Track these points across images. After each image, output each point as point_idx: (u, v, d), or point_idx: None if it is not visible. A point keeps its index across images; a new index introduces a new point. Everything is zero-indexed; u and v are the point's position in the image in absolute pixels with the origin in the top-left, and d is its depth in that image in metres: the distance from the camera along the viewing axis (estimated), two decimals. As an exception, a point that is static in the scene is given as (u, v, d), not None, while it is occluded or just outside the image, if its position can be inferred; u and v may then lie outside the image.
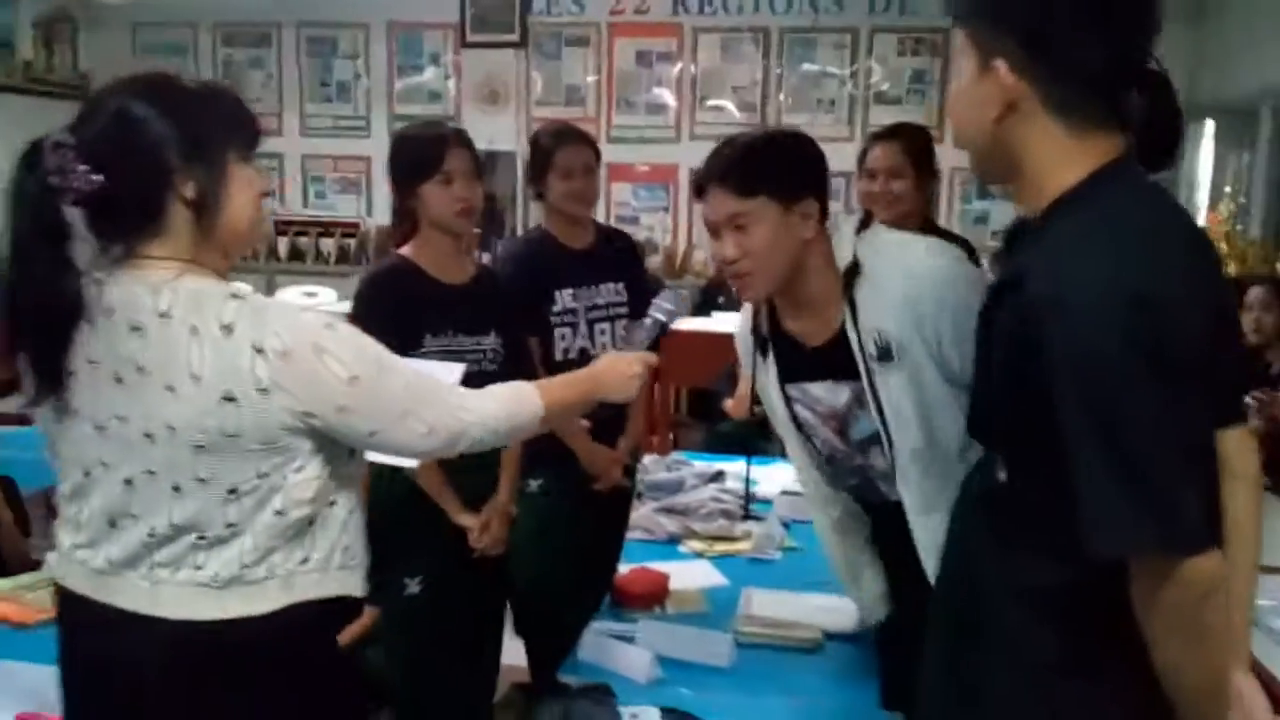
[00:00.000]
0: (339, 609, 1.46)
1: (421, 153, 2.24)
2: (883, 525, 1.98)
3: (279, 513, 1.33)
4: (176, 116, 1.30)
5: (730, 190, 1.72)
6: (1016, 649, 0.99)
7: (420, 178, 2.23)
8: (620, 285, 2.75)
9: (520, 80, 6.82)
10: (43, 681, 1.93)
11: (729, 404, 4.85)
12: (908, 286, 1.70)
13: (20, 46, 6.90)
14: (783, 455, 4.60)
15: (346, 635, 2.64)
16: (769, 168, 1.73)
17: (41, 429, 1.41)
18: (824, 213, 1.76)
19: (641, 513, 3.09)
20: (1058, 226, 1.00)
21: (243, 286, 1.35)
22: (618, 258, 2.78)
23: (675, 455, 3.80)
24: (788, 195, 1.71)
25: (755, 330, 1.96)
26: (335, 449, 1.36)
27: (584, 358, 2.59)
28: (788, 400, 1.94)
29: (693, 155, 6.79)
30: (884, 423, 1.79)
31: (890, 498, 1.88)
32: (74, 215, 1.28)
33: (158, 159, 1.28)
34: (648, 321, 1.80)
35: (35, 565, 2.93)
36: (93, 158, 1.26)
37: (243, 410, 1.25)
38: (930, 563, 1.72)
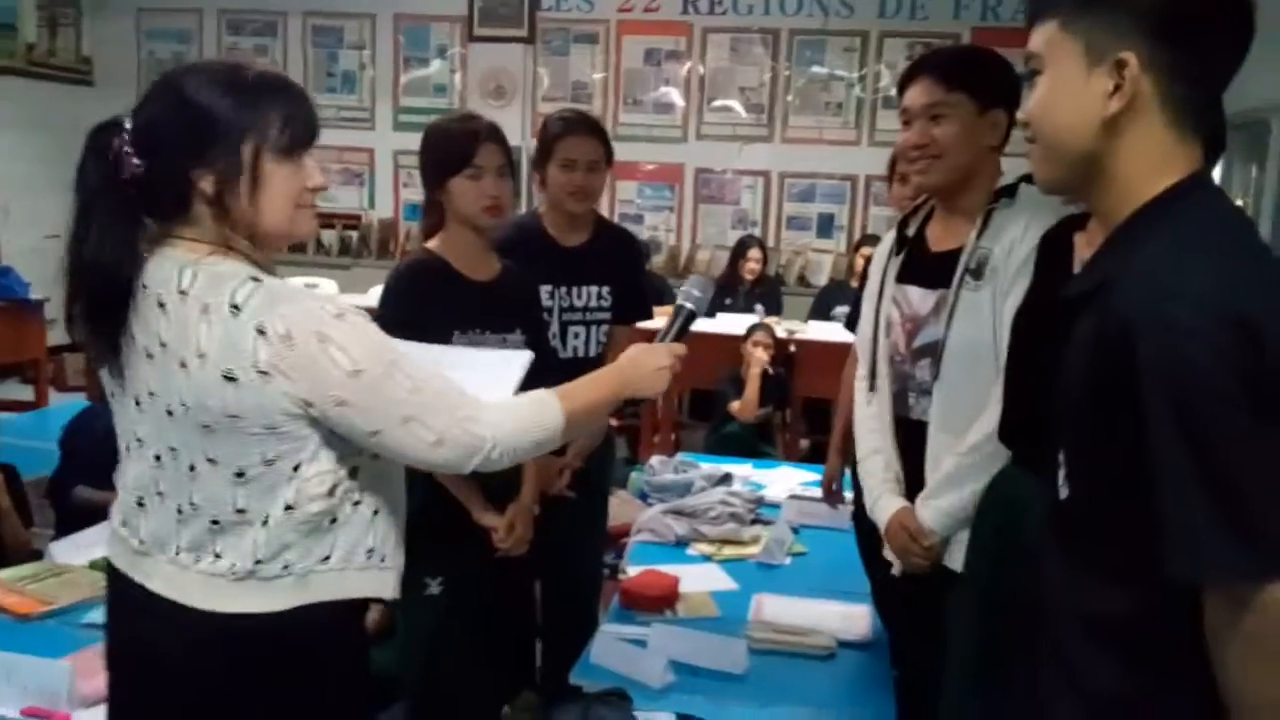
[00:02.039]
0: (361, 610, 1.43)
1: (452, 146, 2.19)
2: (902, 447, 2.04)
3: (289, 507, 1.31)
4: (199, 111, 1.28)
5: (936, 81, 1.88)
6: (1078, 674, 0.96)
7: (449, 172, 2.18)
8: (605, 289, 2.61)
9: (527, 75, 6.80)
10: (49, 675, 1.91)
11: (735, 406, 4.85)
12: (1034, 230, 1.77)
13: (23, 29, 6.85)
14: (787, 459, 4.62)
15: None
16: (974, 71, 1.90)
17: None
18: (1007, 132, 1.88)
19: (649, 514, 3.07)
20: (1149, 236, 0.97)
21: (270, 277, 1.33)
22: (610, 259, 2.64)
23: (681, 457, 3.78)
24: (985, 100, 1.86)
25: (903, 225, 2.09)
26: (351, 445, 1.33)
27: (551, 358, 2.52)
28: (882, 296, 2.07)
29: (698, 155, 6.81)
30: (947, 334, 1.89)
31: (913, 415, 2.00)
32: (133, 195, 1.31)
33: (176, 151, 1.28)
34: (679, 309, 1.66)
35: (37, 555, 2.90)
36: (136, 142, 1.28)
37: (242, 391, 1.24)
38: (933, 476, 1.90)
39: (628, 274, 2.69)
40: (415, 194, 7.03)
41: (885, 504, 2.02)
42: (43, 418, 4.75)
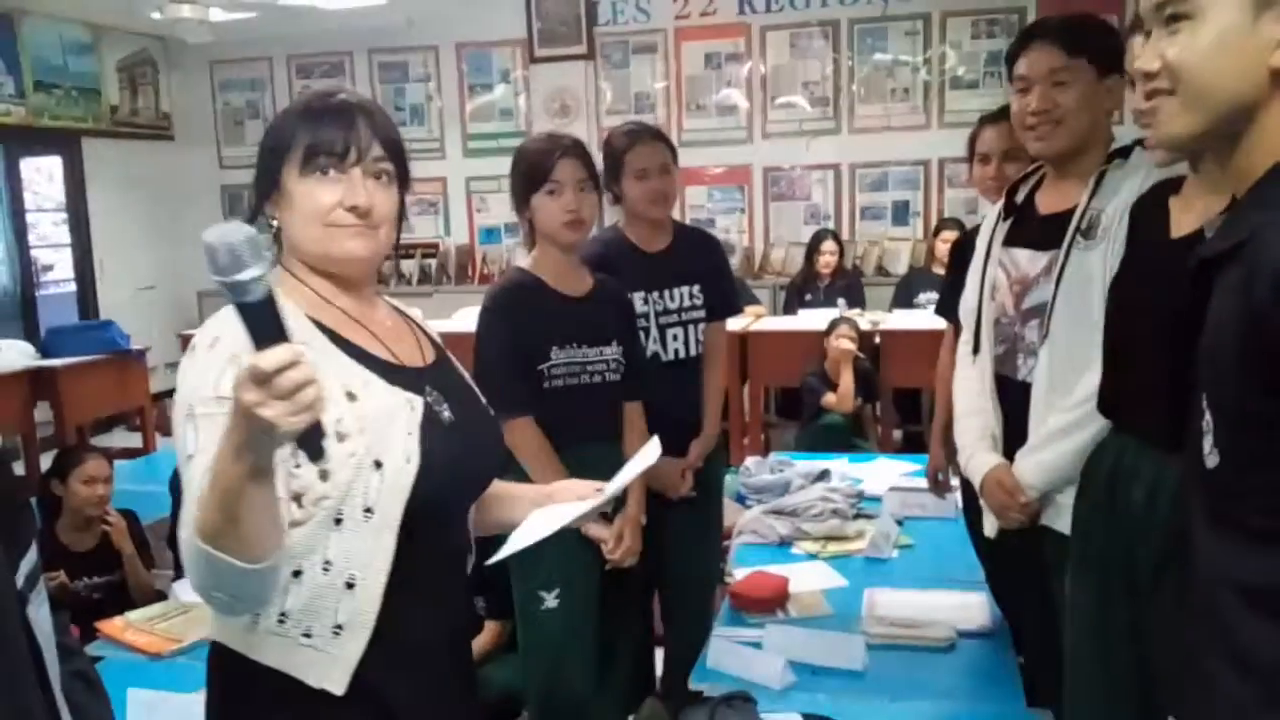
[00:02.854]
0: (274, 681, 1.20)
1: (532, 163, 2.22)
2: (1006, 410, 2.02)
3: None
4: (265, 139, 1.29)
5: (1057, 46, 1.89)
6: (1241, 646, 0.92)
7: (531, 189, 2.21)
8: (695, 288, 2.62)
9: (589, 91, 6.85)
10: (181, 709, 1.98)
11: (831, 399, 4.80)
12: (1148, 187, 1.75)
13: (106, 91, 7.15)
14: (881, 451, 4.55)
15: (474, 650, 2.70)
16: (1095, 37, 1.92)
17: None
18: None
19: (750, 516, 3.06)
20: None
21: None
22: (695, 258, 2.65)
23: (776, 456, 3.75)
24: (1105, 66, 1.88)
25: (1012, 191, 2.09)
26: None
27: (654, 361, 2.54)
28: (988, 262, 2.07)
29: (765, 154, 6.78)
30: (1056, 292, 1.87)
31: (1019, 376, 1.98)
32: None
33: (256, 181, 1.30)
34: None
35: (161, 595, 3.01)
36: None
37: None
38: (1036, 432, 1.87)
39: (713, 271, 2.70)
40: (489, 219, 7.15)
41: (980, 460, 2.00)
42: (152, 463, 4.95)
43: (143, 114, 7.43)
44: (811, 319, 5.27)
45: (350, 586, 1.18)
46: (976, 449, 2.02)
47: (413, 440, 1.21)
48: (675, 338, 2.59)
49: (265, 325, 0.94)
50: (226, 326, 1.16)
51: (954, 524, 2.81)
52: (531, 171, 2.21)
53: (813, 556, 2.80)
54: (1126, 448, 1.60)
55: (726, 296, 2.76)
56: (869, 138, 6.54)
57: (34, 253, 7.08)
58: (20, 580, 0.83)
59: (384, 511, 1.18)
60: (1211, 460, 0.96)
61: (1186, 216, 1.52)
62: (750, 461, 3.66)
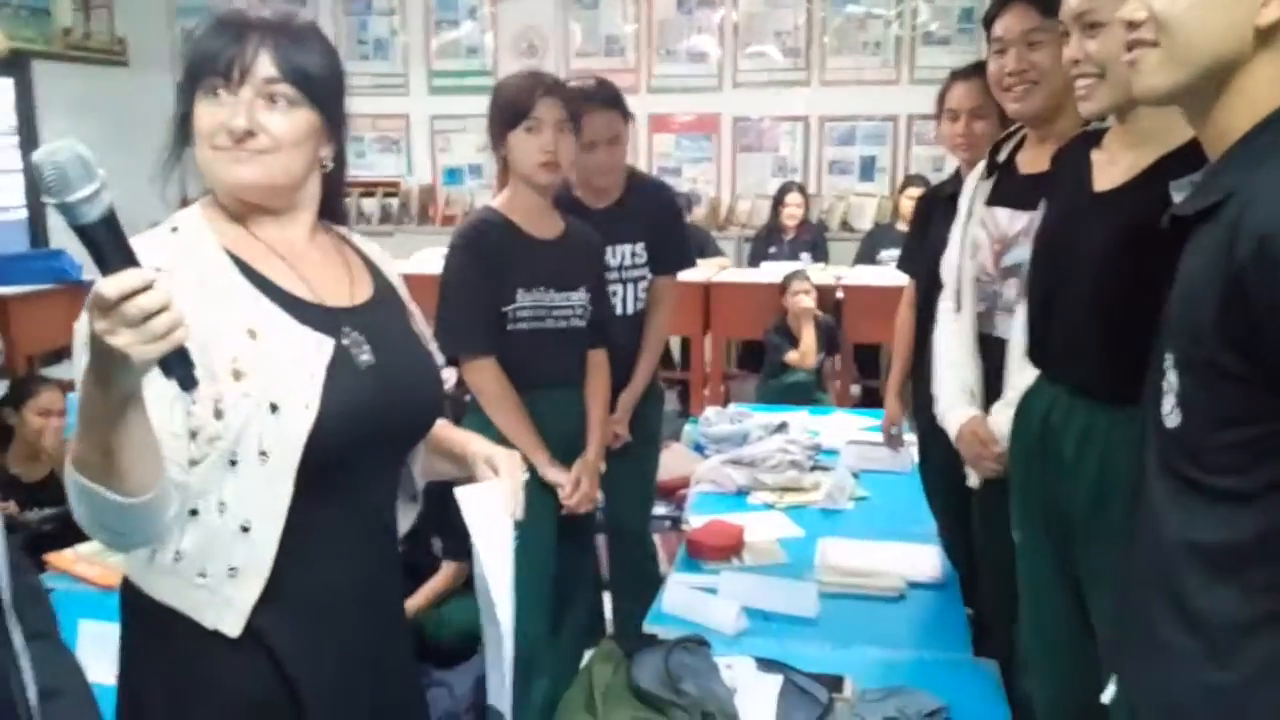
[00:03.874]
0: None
1: (511, 99, 2.17)
2: (985, 365, 2.05)
3: None
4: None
5: (1033, 8, 1.90)
6: (1192, 604, 0.95)
7: (509, 125, 2.16)
8: (640, 246, 2.60)
9: (558, 31, 6.73)
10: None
11: (794, 355, 4.82)
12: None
13: (58, 13, 6.89)
14: (839, 406, 4.59)
15: (427, 592, 2.70)
16: None
17: None
18: None
19: (709, 464, 3.08)
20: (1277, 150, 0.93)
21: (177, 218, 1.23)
22: (643, 214, 2.61)
23: (735, 407, 3.77)
24: None
25: (994, 151, 2.11)
26: None
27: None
28: (970, 220, 2.10)
29: (735, 104, 6.72)
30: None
31: (997, 333, 2.01)
32: None
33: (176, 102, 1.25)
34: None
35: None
36: None
37: None
38: (1010, 390, 1.83)
39: (662, 226, 2.67)
40: (452, 158, 7.03)
41: (957, 413, 2.03)
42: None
43: (96, 37, 7.18)
44: (774, 272, 5.27)
45: (245, 530, 1.15)
46: (955, 402, 2.05)
47: (314, 384, 1.16)
48: (614, 294, 2.56)
49: (108, 249, 0.90)
50: (158, 250, 1.13)
51: (909, 478, 2.86)
52: (511, 107, 2.17)
53: (769, 507, 2.83)
54: (1057, 398, 1.62)
55: (675, 251, 2.73)
56: (839, 90, 6.49)
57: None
58: None
59: (280, 457, 1.14)
60: (1172, 420, 0.98)
61: (1111, 170, 1.54)
62: (710, 411, 3.68)
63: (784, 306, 4.93)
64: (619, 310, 2.58)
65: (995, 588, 2.07)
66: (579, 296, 2.26)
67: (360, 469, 1.24)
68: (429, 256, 4.98)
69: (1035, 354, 1.70)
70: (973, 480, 2.06)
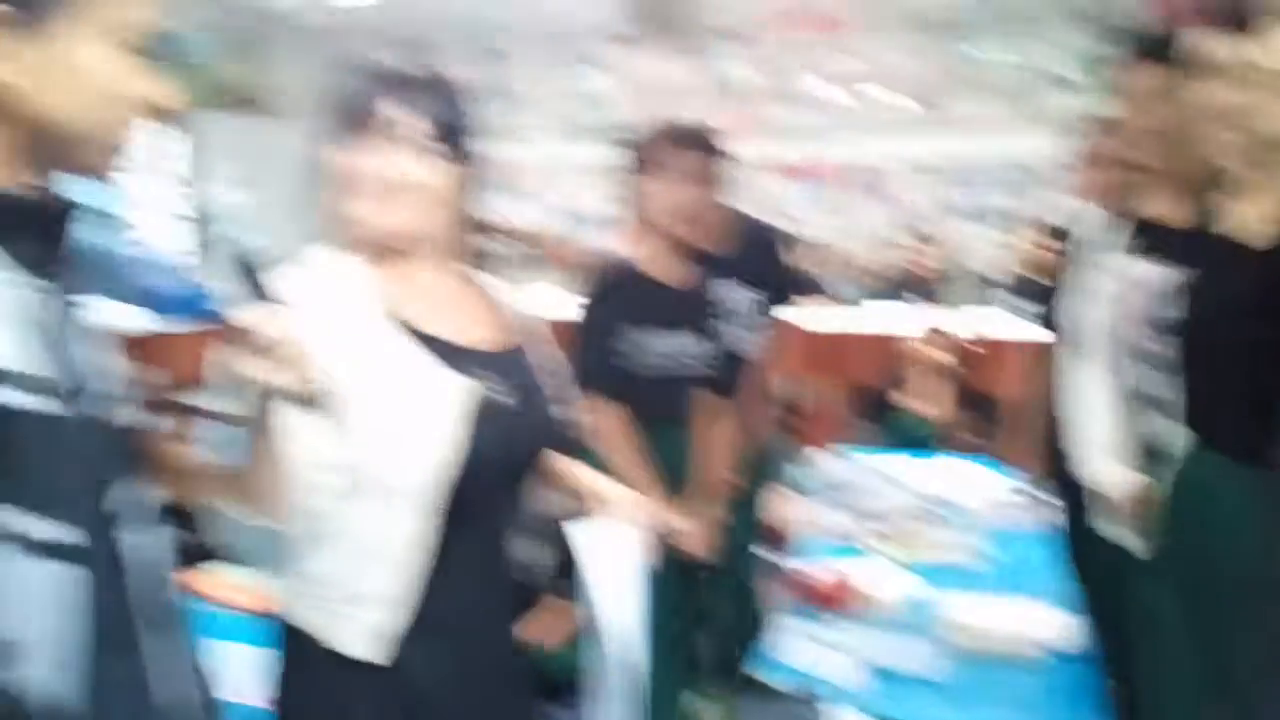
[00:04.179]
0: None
1: (644, 149, 2.20)
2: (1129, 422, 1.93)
3: None
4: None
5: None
6: None
7: (641, 174, 2.19)
8: (748, 288, 2.59)
9: (681, 80, 6.79)
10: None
11: (916, 404, 4.67)
12: None
13: (220, 68, 7.31)
14: (966, 456, 4.43)
15: (548, 627, 2.68)
16: None
17: None
18: None
19: (816, 510, 3.00)
20: None
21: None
22: (751, 256, 2.61)
23: (851, 452, 3.67)
24: None
25: (1131, 202, 2.01)
26: None
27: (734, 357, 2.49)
28: (1104, 272, 2.01)
29: (856, 148, 6.58)
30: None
31: (1137, 386, 1.87)
32: None
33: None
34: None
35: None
36: None
37: None
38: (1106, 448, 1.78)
39: (768, 267, 2.68)
40: (584, 204, 7.15)
41: (1101, 468, 1.93)
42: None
43: (253, 91, 7.60)
44: (894, 318, 5.15)
45: (374, 557, 1.19)
46: (1096, 456, 1.95)
47: (448, 422, 1.19)
48: (727, 336, 2.54)
49: (247, 286, 0.99)
50: (300, 288, 1.18)
51: (1045, 538, 2.71)
52: (643, 157, 2.19)
53: (888, 557, 2.73)
54: (1209, 462, 1.55)
55: (779, 292, 2.73)
56: (968, 135, 6.37)
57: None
58: (116, 508, 0.92)
59: (412, 490, 1.18)
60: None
61: (1257, 221, 1.46)
62: (821, 454, 3.59)
63: (909, 353, 4.82)
64: (732, 352, 2.56)
65: (1152, 661, 1.93)
66: (696, 339, 2.25)
67: (487, 503, 1.27)
68: (557, 300, 5.03)
69: (1187, 417, 1.61)
70: (1116, 538, 1.93)
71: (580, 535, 1.34)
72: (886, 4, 6.30)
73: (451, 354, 1.24)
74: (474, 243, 1.36)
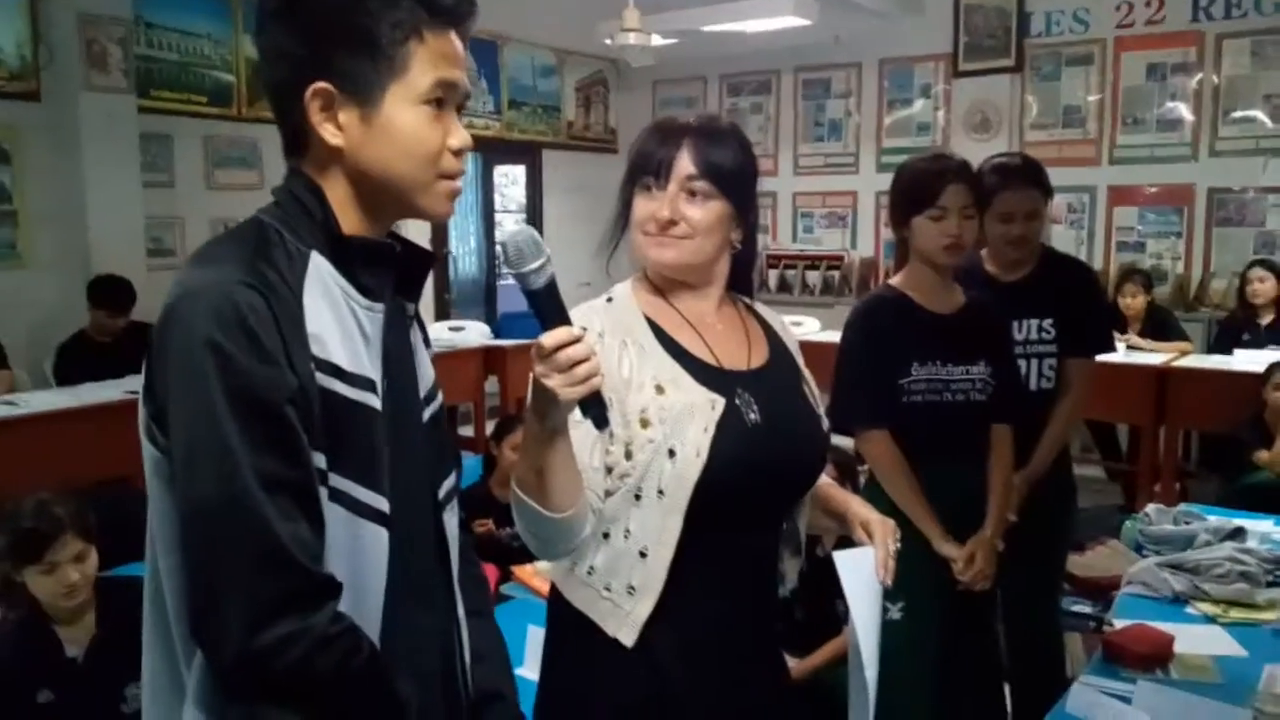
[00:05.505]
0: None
1: (917, 185, 2.22)
2: None
3: None
4: None
5: None
6: None
7: (913, 210, 2.22)
8: (1048, 322, 2.55)
9: (1014, 105, 6.62)
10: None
11: (1263, 455, 4.29)
12: None
13: (565, 108, 8.10)
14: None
15: (826, 653, 2.78)
16: None
17: None
18: None
19: (1144, 565, 2.87)
20: None
21: None
22: (1055, 291, 2.57)
23: (1184, 507, 3.46)
24: None
25: None
26: None
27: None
28: None
29: (1212, 174, 6.14)
30: None
31: None
32: None
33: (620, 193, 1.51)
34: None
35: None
36: None
37: None
38: None
39: (1078, 304, 2.61)
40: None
41: None
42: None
43: (593, 128, 8.33)
44: (1247, 360, 4.73)
45: (643, 555, 1.33)
46: None
47: (706, 436, 1.33)
48: (1019, 369, 2.53)
49: (549, 309, 1.08)
50: (594, 316, 1.40)
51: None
52: (915, 193, 2.22)
53: (1209, 619, 2.58)
54: None
55: (1092, 331, 2.64)
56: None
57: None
58: (441, 494, 1.13)
59: (674, 495, 1.32)
60: None
61: None
62: (1152, 508, 3.41)
63: (1262, 400, 4.41)
64: (1018, 384, 2.55)
65: None
66: (979, 370, 2.24)
67: (743, 514, 1.40)
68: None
69: None
70: None
71: (841, 562, 1.41)
72: (1258, 16, 5.80)
73: (708, 373, 1.39)
74: (746, 272, 1.51)
